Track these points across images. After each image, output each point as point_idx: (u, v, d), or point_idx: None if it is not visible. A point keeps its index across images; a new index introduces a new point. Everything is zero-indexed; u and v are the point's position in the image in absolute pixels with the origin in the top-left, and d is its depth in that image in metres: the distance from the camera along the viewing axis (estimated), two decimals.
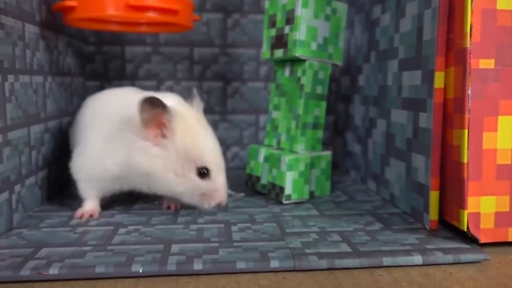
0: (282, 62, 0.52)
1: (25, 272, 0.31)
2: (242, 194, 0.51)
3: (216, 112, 0.67)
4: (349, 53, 0.61)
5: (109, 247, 0.35)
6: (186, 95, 0.46)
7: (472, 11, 0.36)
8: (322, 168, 0.51)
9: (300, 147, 0.50)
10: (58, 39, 0.54)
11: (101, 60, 0.66)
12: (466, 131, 0.36)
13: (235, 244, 0.36)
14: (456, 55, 0.37)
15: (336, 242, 0.36)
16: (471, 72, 0.36)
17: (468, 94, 0.36)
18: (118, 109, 0.42)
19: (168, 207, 0.46)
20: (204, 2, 0.66)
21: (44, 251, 0.34)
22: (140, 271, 0.32)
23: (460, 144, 0.37)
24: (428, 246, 0.35)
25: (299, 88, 0.49)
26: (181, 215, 0.44)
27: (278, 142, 0.52)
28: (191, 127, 0.40)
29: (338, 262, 0.33)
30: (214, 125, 0.61)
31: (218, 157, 0.41)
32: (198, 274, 0.32)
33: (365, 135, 0.56)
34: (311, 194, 0.50)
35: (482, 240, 0.37)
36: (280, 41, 0.50)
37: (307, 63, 0.49)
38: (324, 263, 0.33)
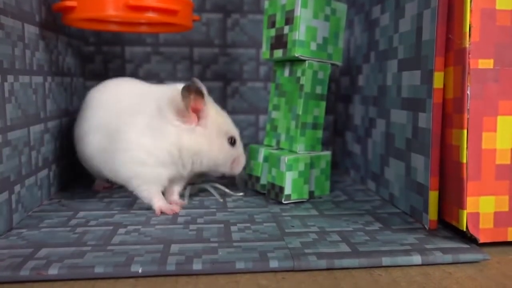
0: (281, 62, 0.52)
1: (24, 272, 0.31)
2: (241, 194, 0.52)
3: None
4: (348, 53, 0.61)
5: (109, 247, 0.35)
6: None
7: (471, 11, 0.36)
8: (322, 168, 0.51)
9: (299, 147, 0.50)
10: (58, 39, 0.54)
11: (101, 60, 0.66)
12: (466, 131, 0.36)
13: (234, 244, 0.36)
14: (455, 55, 0.37)
15: (336, 242, 0.36)
16: (470, 72, 0.36)
17: (467, 94, 0.36)
18: (153, 101, 0.45)
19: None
20: (203, 2, 0.66)
21: (43, 251, 0.34)
22: (140, 271, 0.32)
23: (460, 144, 0.37)
24: (428, 246, 0.35)
25: (298, 88, 0.49)
26: (180, 215, 0.44)
27: (278, 142, 0.52)
28: (216, 107, 0.48)
29: (338, 262, 0.33)
30: None
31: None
32: (197, 274, 0.32)
33: (364, 135, 0.56)
34: (311, 194, 0.50)
35: (481, 240, 0.37)
36: (279, 41, 0.50)
37: (306, 63, 0.49)
38: (323, 263, 0.33)
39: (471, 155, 0.36)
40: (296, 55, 0.48)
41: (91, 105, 0.49)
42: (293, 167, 0.48)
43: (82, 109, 0.50)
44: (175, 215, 0.44)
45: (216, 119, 0.46)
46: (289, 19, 0.49)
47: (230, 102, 0.68)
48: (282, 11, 0.50)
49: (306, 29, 0.48)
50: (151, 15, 0.46)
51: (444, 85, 0.39)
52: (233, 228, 0.40)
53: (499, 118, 0.37)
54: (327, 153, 0.52)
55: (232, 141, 0.47)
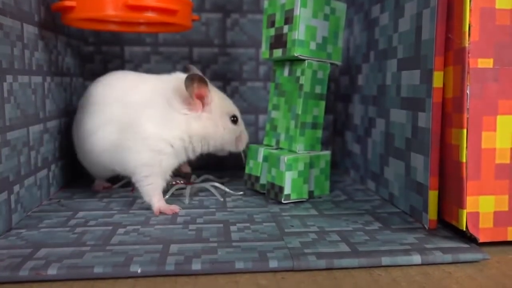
0: (281, 62, 0.52)
1: (23, 273, 0.31)
2: (241, 193, 0.51)
3: None
4: (348, 52, 0.61)
5: (108, 247, 0.35)
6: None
7: (470, 10, 0.36)
8: (321, 167, 0.51)
9: (299, 146, 0.49)
10: (57, 39, 0.54)
11: (100, 60, 0.66)
12: (465, 130, 0.36)
13: (234, 244, 0.36)
14: (454, 55, 0.37)
15: (335, 242, 0.36)
16: (469, 72, 0.36)
17: (467, 93, 0.36)
18: (160, 93, 0.47)
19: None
20: (203, 2, 0.66)
21: (42, 252, 0.34)
22: (139, 271, 0.32)
23: (459, 143, 0.37)
24: (427, 246, 0.35)
25: (298, 87, 0.49)
26: (180, 215, 0.44)
27: (277, 142, 0.52)
28: (216, 90, 0.51)
29: (337, 262, 0.33)
30: None
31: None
32: (196, 274, 0.32)
33: (364, 135, 0.56)
34: (310, 193, 0.50)
35: (481, 239, 0.37)
36: (279, 41, 0.50)
37: (306, 62, 0.49)
38: (322, 263, 0.33)
39: (470, 154, 0.36)
40: (296, 55, 0.48)
41: (97, 100, 0.48)
42: (293, 167, 0.48)
43: (84, 105, 0.50)
44: (175, 215, 0.44)
45: (219, 103, 0.49)
46: (289, 19, 0.49)
47: None
48: (282, 11, 0.50)
49: (306, 28, 0.48)
50: (150, 15, 0.46)
51: (444, 84, 0.39)
52: (232, 228, 0.40)
53: (498, 117, 0.36)
54: (327, 152, 0.52)
55: (234, 119, 0.51)
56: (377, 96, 0.51)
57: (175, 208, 0.45)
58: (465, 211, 0.36)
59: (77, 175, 0.58)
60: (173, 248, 0.35)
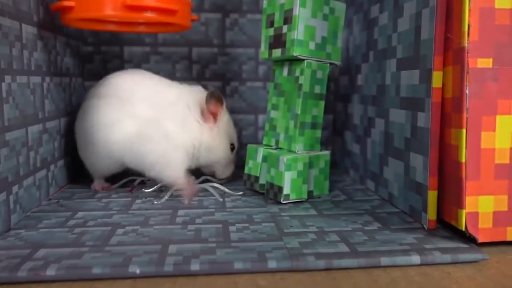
0: (280, 62, 0.52)
1: (22, 273, 0.31)
2: (240, 193, 0.51)
3: None
4: (348, 52, 0.61)
5: (107, 248, 0.35)
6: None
7: (470, 10, 0.36)
8: (321, 167, 0.51)
9: (298, 146, 0.49)
10: (56, 39, 0.53)
11: (100, 60, 0.66)
12: (464, 130, 0.36)
13: (233, 244, 0.36)
14: (454, 54, 0.37)
15: (334, 242, 0.36)
16: (469, 72, 0.36)
17: (466, 93, 0.36)
18: (183, 100, 0.52)
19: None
20: (202, 2, 0.66)
21: (41, 252, 0.34)
22: (137, 272, 0.32)
23: (458, 143, 0.37)
24: (426, 246, 0.35)
25: (297, 87, 0.49)
26: (179, 215, 0.44)
27: (277, 142, 0.52)
28: (228, 115, 0.56)
29: (336, 262, 0.33)
30: None
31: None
32: (195, 274, 0.32)
33: (363, 135, 0.56)
34: (310, 193, 0.50)
35: (481, 239, 0.37)
36: (278, 41, 0.50)
37: (305, 62, 0.49)
38: (321, 264, 0.33)
39: (470, 154, 0.36)
40: (295, 55, 0.48)
41: (118, 94, 0.50)
42: (292, 167, 0.48)
43: (101, 96, 0.50)
44: (174, 214, 0.44)
45: (227, 124, 0.55)
46: (288, 19, 0.49)
47: (229, 102, 0.68)
48: (281, 11, 0.50)
49: (305, 28, 0.48)
50: (149, 15, 0.46)
51: (443, 84, 0.39)
52: (231, 228, 0.40)
53: (498, 117, 0.36)
54: (326, 152, 0.52)
55: (232, 147, 0.56)
56: (376, 96, 0.51)
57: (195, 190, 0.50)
58: (464, 211, 0.36)
59: (77, 175, 0.58)
60: (172, 248, 0.35)
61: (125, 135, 0.49)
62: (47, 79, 0.50)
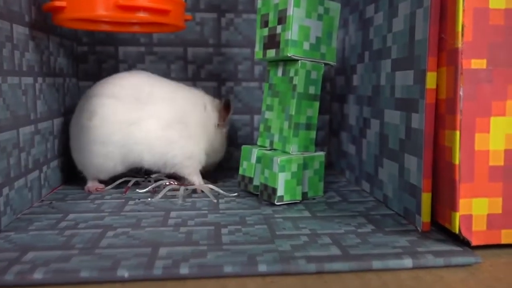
0: (275, 62, 0.52)
1: (9, 277, 0.31)
2: (235, 194, 0.51)
3: None
4: (343, 52, 0.61)
5: (96, 251, 0.35)
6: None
7: (464, 10, 0.35)
8: (315, 168, 0.51)
9: (292, 147, 0.49)
10: (49, 39, 0.53)
11: (94, 60, 0.65)
12: (458, 132, 0.36)
13: (224, 247, 0.35)
14: (448, 55, 0.37)
15: (326, 245, 0.36)
16: (463, 73, 0.35)
17: (460, 94, 0.35)
18: (199, 102, 0.55)
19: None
20: (198, 2, 0.66)
21: (30, 255, 0.34)
22: (126, 275, 0.31)
23: (452, 145, 0.36)
24: (419, 249, 0.35)
25: (291, 88, 0.49)
26: (171, 217, 0.43)
27: (271, 143, 0.52)
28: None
29: (327, 266, 0.33)
30: None
31: None
32: (185, 278, 0.32)
33: (359, 135, 0.55)
34: (304, 195, 0.49)
35: (474, 242, 0.36)
36: (272, 41, 0.50)
37: (299, 63, 0.48)
38: (312, 267, 0.32)
39: (463, 156, 0.36)
40: (289, 55, 0.47)
41: (135, 94, 0.52)
42: (286, 168, 0.47)
43: (113, 96, 0.51)
44: (166, 216, 0.43)
45: (226, 131, 0.59)
46: (282, 19, 0.48)
47: None
48: (275, 11, 0.49)
49: (299, 28, 0.48)
50: (142, 15, 0.46)
51: (437, 85, 0.38)
52: (223, 230, 0.39)
53: (492, 119, 0.36)
54: (321, 153, 0.51)
55: None
56: (372, 97, 0.51)
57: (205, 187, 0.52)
58: (458, 214, 0.36)
59: (70, 176, 0.58)
60: (162, 251, 0.35)
61: (147, 134, 0.51)
62: (40, 79, 0.50)
